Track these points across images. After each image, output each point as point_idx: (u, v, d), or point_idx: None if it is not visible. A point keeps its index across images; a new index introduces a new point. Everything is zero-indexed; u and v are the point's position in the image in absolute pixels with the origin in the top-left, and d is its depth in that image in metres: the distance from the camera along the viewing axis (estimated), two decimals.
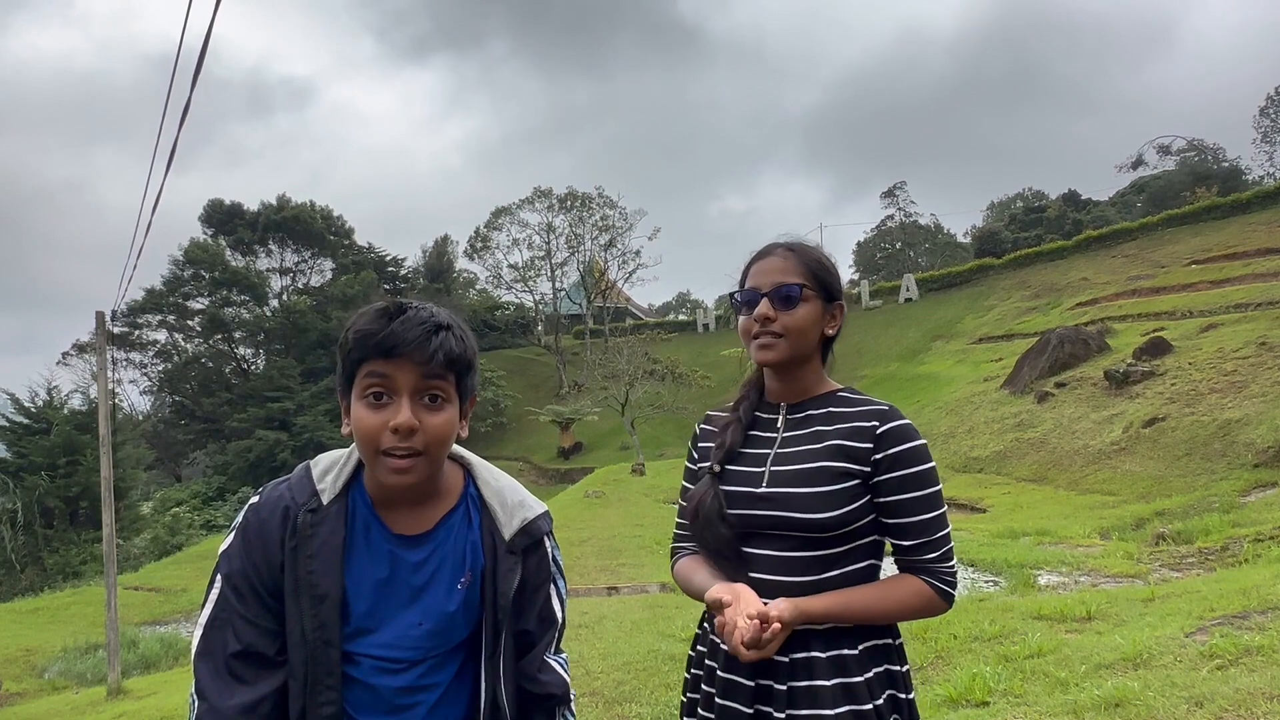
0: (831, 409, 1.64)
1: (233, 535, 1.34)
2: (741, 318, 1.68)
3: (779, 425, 1.68)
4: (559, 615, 1.46)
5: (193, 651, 1.31)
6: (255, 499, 1.36)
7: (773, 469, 1.61)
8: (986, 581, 9.09)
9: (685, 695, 1.71)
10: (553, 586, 1.45)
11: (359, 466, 1.37)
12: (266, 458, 37.63)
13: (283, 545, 1.29)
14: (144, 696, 8.76)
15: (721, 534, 1.62)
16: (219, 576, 1.32)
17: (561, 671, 1.45)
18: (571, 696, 1.47)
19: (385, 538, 1.34)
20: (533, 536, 1.41)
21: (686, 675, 1.73)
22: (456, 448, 1.43)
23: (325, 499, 1.32)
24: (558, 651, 1.48)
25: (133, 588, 17.27)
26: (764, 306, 1.62)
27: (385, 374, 1.26)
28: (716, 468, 1.67)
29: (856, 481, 1.55)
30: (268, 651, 1.29)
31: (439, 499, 1.38)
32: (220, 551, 1.34)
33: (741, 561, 1.61)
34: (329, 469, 1.36)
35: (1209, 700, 3.34)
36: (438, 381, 1.28)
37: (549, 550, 1.45)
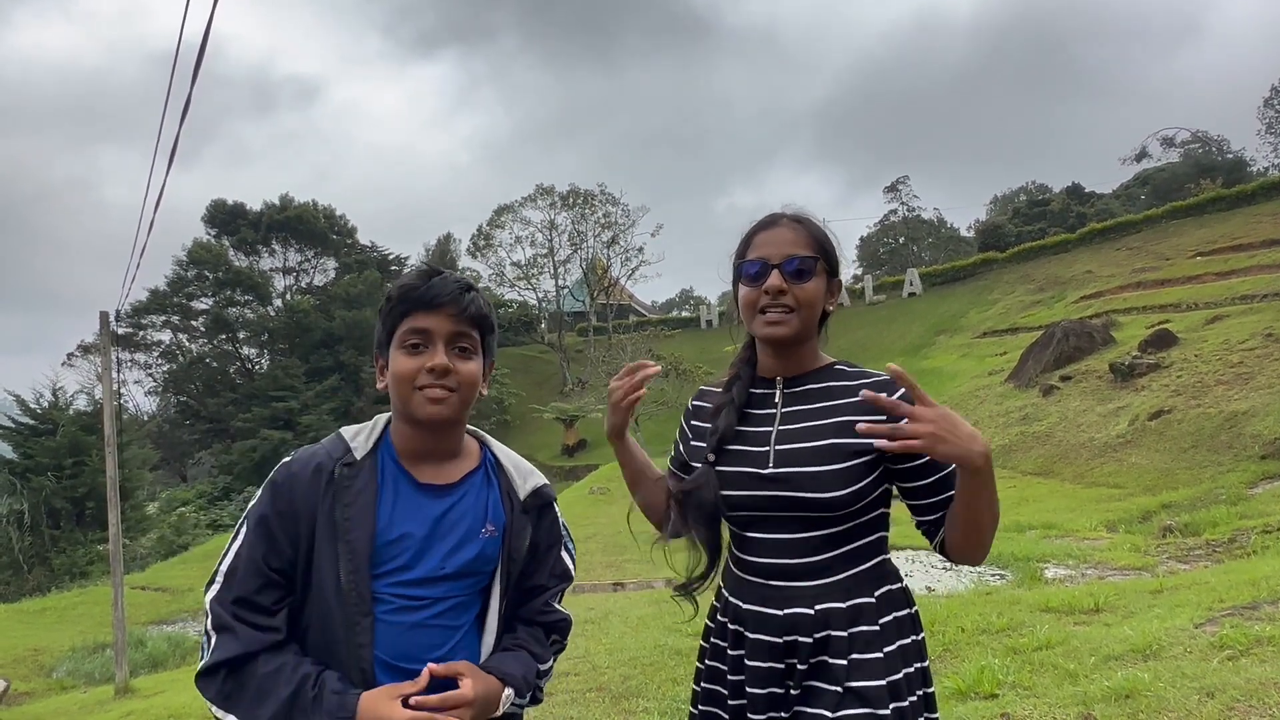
0: (831, 383, 1.61)
1: (263, 489, 1.46)
2: (744, 289, 1.61)
3: (777, 401, 1.63)
4: (571, 571, 1.63)
5: (209, 596, 1.40)
6: (287, 459, 1.49)
7: (778, 448, 1.56)
8: (993, 575, 9.06)
9: (698, 685, 1.69)
10: (563, 548, 1.62)
11: (385, 430, 1.52)
12: (271, 457, 37.60)
13: (314, 497, 1.42)
14: (151, 695, 8.78)
15: (706, 530, 1.62)
16: (244, 525, 1.44)
17: (565, 612, 1.63)
18: (570, 629, 1.65)
19: (414, 488, 1.47)
20: (543, 499, 1.58)
21: (699, 665, 1.70)
22: (472, 427, 1.59)
23: (358, 455, 1.46)
24: (559, 602, 1.64)
25: (139, 588, 17.32)
26: (776, 278, 1.55)
27: (424, 326, 1.43)
28: (711, 456, 1.62)
29: (870, 457, 1.51)
30: (265, 603, 1.39)
31: (461, 459, 1.53)
32: (251, 504, 1.46)
33: (715, 551, 1.64)
34: (359, 431, 1.51)
35: (1220, 691, 3.32)
36: (468, 332, 1.47)
37: (557, 515, 1.62)
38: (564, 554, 1.61)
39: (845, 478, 1.51)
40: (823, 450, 1.53)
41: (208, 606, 1.40)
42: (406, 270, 1.54)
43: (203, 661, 1.37)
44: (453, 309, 1.44)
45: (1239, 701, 3.21)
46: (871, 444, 1.50)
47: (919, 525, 1.60)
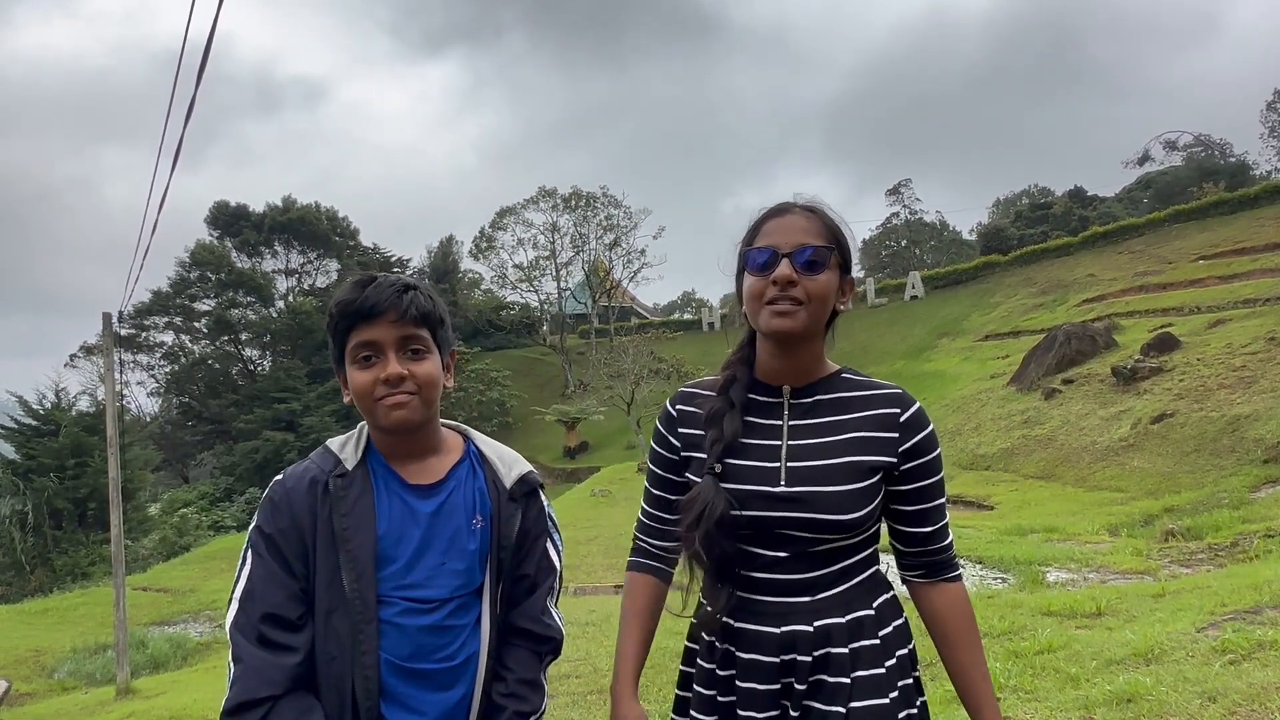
0: (841, 394, 1.52)
1: (260, 510, 1.47)
2: (751, 279, 1.47)
3: (784, 413, 1.52)
4: (557, 564, 1.61)
5: (228, 623, 1.41)
6: (279, 477, 1.49)
7: (790, 465, 1.46)
8: (995, 578, 9.05)
9: (684, 716, 1.60)
10: (549, 539, 1.60)
11: (369, 437, 1.52)
12: (273, 459, 37.65)
13: (312, 511, 1.42)
14: (153, 696, 8.77)
15: (724, 547, 1.45)
16: (249, 549, 1.44)
17: (561, 624, 1.61)
18: (562, 646, 1.64)
19: (404, 489, 1.48)
20: (529, 485, 1.57)
21: (680, 693, 1.65)
22: (455, 423, 1.62)
23: (349, 465, 1.47)
24: (555, 604, 1.62)
25: (141, 588, 17.30)
26: (785, 268, 1.43)
27: (370, 338, 1.42)
28: (717, 467, 1.48)
29: (880, 475, 1.47)
30: (291, 615, 1.40)
31: (444, 453, 1.54)
32: (251, 527, 1.46)
33: (732, 581, 1.48)
34: (345, 442, 1.52)
35: (1222, 695, 3.31)
36: (415, 333, 1.44)
37: (544, 504, 1.61)
38: (549, 546, 1.60)
39: (862, 497, 1.45)
40: (839, 469, 1.45)
41: (228, 635, 1.40)
42: (343, 279, 1.48)
43: (226, 697, 1.36)
44: (394, 315, 1.42)
45: (1241, 706, 3.20)
46: (888, 459, 1.46)
47: (894, 547, 1.57)
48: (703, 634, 1.56)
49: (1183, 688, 3.48)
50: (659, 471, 1.64)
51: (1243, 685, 3.37)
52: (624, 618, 1.66)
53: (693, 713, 1.56)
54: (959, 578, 1.55)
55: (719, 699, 1.51)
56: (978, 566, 9.66)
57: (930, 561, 1.54)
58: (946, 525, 1.54)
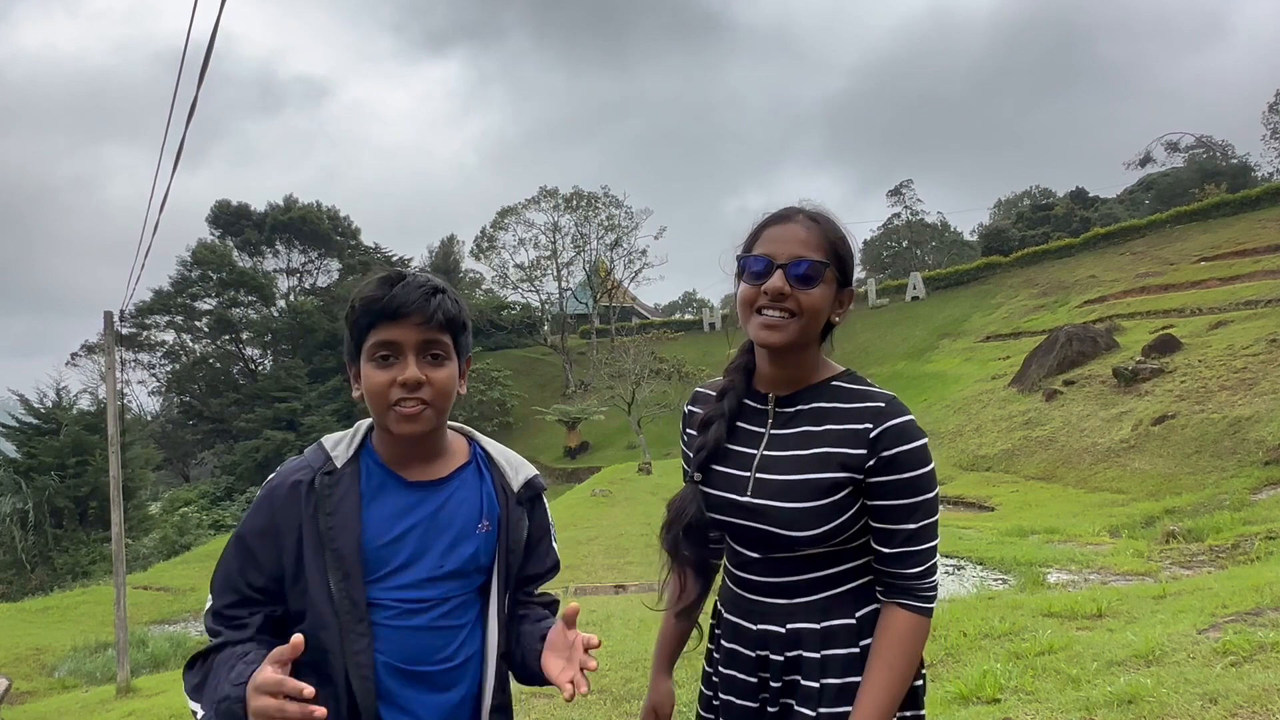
0: (822, 404, 1.48)
1: (250, 508, 1.45)
2: (745, 285, 1.47)
3: (767, 420, 1.52)
4: (559, 560, 1.63)
5: (205, 609, 1.44)
6: (272, 475, 1.46)
7: (757, 476, 1.48)
8: (995, 579, 9.06)
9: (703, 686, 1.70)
10: (552, 536, 1.62)
11: (367, 435, 1.48)
12: (274, 458, 37.70)
13: (297, 510, 1.39)
14: (153, 695, 8.78)
15: (690, 552, 1.55)
16: (228, 544, 1.43)
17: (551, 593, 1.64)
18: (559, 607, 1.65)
19: (402, 487, 1.44)
20: (535, 490, 1.56)
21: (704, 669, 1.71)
22: (459, 424, 1.57)
23: (339, 463, 1.43)
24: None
25: (141, 587, 17.33)
26: (778, 280, 1.41)
27: (391, 338, 1.37)
28: (698, 475, 1.55)
29: (848, 491, 1.42)
30: (242, 614, 1.39)
31: (448, 457, 1.50)
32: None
33: (705, 578, 1.61)
34: (339, 440, 1.47)
35: (1223, 697, 3.31)
36: (438, 339, 1.40)
37: (546, 505, 1.61)
38: (553, 545, 1.61)
39: (821, 515, 1.42)
40: (799, 485, 1.43)
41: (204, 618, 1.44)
42: (373, 274, 1.49)
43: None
44: (419, 318, 1.36)
45: (1242, 708, 3.20)
46: (854, 475, 1.42)
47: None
48: (712, 619, 1.67)
49: (1184, 689, 3.48)
50: (685, 467, 1.69)
51: (1244, 687, 3.36)
52: (663, 625, 1.76)
53: (700, 685, 1.68)
54: (917, 610, 1.43)
55: (713, 679, 1.61)
56: (978, 567, 9.66)
57: (887, 582, 1.46)
58: (916, 554, 1.42)
